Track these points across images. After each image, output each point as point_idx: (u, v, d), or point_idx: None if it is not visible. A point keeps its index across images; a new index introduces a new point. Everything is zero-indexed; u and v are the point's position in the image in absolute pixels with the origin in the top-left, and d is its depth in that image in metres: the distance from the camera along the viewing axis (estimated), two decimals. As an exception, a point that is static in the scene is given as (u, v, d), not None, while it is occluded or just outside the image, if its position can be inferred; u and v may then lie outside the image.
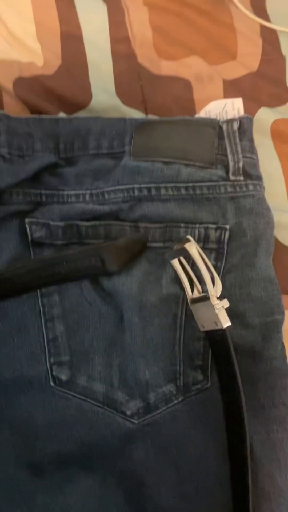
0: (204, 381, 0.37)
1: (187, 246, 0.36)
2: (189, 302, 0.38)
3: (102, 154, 0.41)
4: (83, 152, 0.41)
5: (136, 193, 0.39)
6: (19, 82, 0.45)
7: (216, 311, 0.35)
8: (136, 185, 0.39)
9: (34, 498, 0.34)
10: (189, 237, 0.37)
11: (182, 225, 0.39)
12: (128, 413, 0.36)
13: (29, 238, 0.38)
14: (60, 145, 0.40)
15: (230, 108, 0.45)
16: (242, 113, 0.44)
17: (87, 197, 0.39)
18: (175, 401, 0.36)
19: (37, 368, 0.36)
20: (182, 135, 0.40)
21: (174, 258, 0.38)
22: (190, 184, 0.39)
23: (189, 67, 0.49)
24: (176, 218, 0.39)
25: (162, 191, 0.39)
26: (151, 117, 0.46)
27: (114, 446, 0.35)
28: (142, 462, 0.35)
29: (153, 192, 0.39)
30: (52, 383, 0.36)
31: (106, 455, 0.35)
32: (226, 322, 0.35)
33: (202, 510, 0.35)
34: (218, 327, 0.35)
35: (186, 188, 0.39)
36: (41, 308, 0.37)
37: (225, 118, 0.44)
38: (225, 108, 0.45)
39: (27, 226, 0.38)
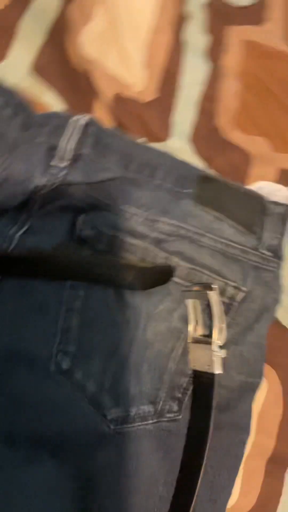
0: (177, 412, 0.41)
1: (211, 292, 0.41)
2: (188, 340, 0.42)
3: (164, 187, 0.46)
4: (149, 179, 0.45)
5: (182, 232, 0.44)
6: (116, 97, 0.50)
7: (214, 357, 0.39)
8: (185, 225, 0.44)
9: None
10: (215, 286, 0.42)
11: (207, 272, 0.44)
12: (109, 417, 0.39)
13: (76, 233, 0.42)
14: (130, 165, 0.45)
15: (278, 192, 0.51)
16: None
17: (141, 220, 0.43)
18: (150, 421, 0.40)
19: (44, 349, 0.39)
20: (235, 198, 0.46)
21: (191, 298, 0.42)
22: (228, 242, 0.44)
23: (255, 144, 0.55)
24: (205, 265, 0.44)
25: (203, 239, 0.44)
26: (212, 171, 0.52)
27: (85, 443, 0.38)
28: (103, 467, 0.38)
29: (196, 236, 0.44)
30: (52, 367, 0.39)
31: (76, 449, 0.38)
32: (219, 369, 0.39)
33: None
34: (209, 371, 0.40)
35: (224, 244, 0.44)
36: (65, 298, 0.40)
37: (271, 199, 0.50)
38: (274, 190, 0.51)
39: (79, 222, 0.41)
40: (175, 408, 0.41)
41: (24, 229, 0.41)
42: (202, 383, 0.40)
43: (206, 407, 0.39)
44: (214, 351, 0.39)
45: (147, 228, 0.43)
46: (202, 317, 0.43)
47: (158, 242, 0.44)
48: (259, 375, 0.44)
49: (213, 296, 0.41)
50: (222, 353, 0.39)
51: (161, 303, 0.42)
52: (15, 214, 0.41)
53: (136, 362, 0.40)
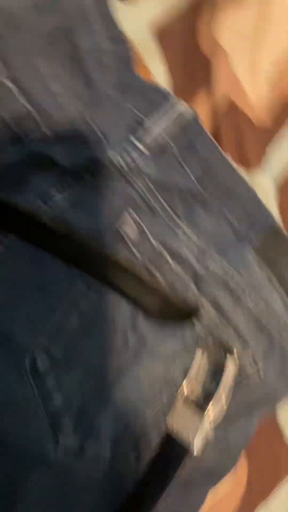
0: (132, 466, 0.36)
1: (230, 357, 0.35)
2: (179, 396, 0.36)
3: (230, 222, 0.39)
4: (219, 205, 0.39)
5: (228, 279, 0.38)
6: (226, 100, 0.43)
7: (199, 434, 0.34)
8: (236, 275, 0.38)
9: None
10: (235, 352, 0.36)
11: (232, 333, 0.38)
12: (60, 442, 0.34)
13: (117, 226, 0.36)
14: (207, 182, 0.38)
15: None
16: None
17: (194, 247, 0.37)
18: (100, 466, 0.35)
19: (26, 335, 0.34)
20: None
21: (202, 351, 0.36)
22: (269, 312, 0.38)
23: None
24: (234, 324, 0.38)
25: (246, 298, 0.38)
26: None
27: (24, 456, 0.34)
28: (32, 491, 0.33)
29: (240, 292, 0.38)
30: (26, 361, 0.34)
31: (11, 457, 0.33)
32: (197, 450, 0.34)
33: None
34: (186, 442, 0.34)
35: (265, 314, 0.38)
36: (74, 291, 0.35)
37: None
38: None
39: (126, 216, 0.35)
40: (133, 458, 0.36)
41: (68, 198, 0.35)
42: (173, 450, 0.35)
43: (164, 477, 0.34)
44: (203, 426, 0.34)
45: (195, 259, 0.37)
46: (204, 378, 0.37)
47: (197, 277, 0.38)
48: (232, 464, 0.38)
49: (231, 363, 0.35)
50: (210, 435, 0.34)
51: (169, 341, 0.36)
52: (61, 175, 0.35)
53: (115, 395, 0.34)
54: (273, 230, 0.40)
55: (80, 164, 0.35)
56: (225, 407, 0.35)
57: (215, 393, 0.35)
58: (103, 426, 0.34)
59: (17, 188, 0.34)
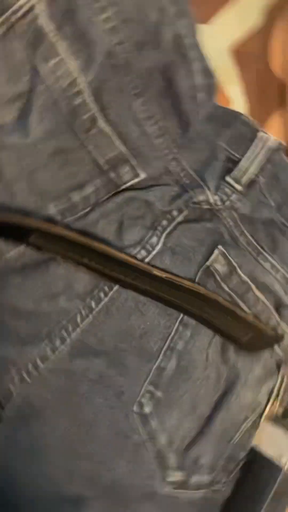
0: (224, 484, 0.38)
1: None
2: (264, 416, 0.38)
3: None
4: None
5: None
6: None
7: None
8: None
9: None
10: None
11: None
12: (168, 479, 0.36)
13: (207, 263, 0.36)
14: (285, 208, 0.39)
15: None
16: None
17: (279, 276, 0.38)
18: (202, 490, 0.37)
19: (134, 384, 0.35)
20: None
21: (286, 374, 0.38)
22: None
23: None
24: None
25: None
26: None
27: (135, 495, 0.36)
28: None
29: None
30: (135, 407, 0.35)
31: (124, 498, 0.36)
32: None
33: None
34: (276, 462, 0.36)
35: None
36: (172, 333, 0.35)
37: None
38: None
39: (215, 252, 0.35)
40: (224, 480, 0.38)
41: (162, 241, 0.35)
42: (264, 470, 0.37)
43: (259, 500, 0.36)
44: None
45: (282, 289, 0.38)
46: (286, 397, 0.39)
47: (280, 304, 0.39)
48: None
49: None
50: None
51: (256, 369, 0.38)
52: (156, 218, 0.35)
53: (213, 427, 0.36)
54: None
55: (175, 206, 0.35)
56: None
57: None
58: (203, 458, 0.36)
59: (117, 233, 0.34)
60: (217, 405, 0.36)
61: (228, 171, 0.36)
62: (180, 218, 0.35)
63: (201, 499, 0.37)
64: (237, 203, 0.36)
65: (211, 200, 0.35)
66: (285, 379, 0.39)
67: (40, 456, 0.36)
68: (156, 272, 0.33)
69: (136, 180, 0.34)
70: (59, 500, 0.35)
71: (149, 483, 0.35)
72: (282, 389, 0.39)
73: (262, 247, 0.37)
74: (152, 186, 0.34)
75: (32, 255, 0.35)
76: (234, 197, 0.36)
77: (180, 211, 0.35)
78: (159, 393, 0.35)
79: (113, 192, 0.34)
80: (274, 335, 0.38)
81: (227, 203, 0.36)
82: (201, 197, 0.35)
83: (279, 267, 0.38)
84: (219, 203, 0.35)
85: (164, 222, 0.35)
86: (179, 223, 0.35)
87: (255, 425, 0.38)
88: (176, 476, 0.36)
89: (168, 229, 0.35)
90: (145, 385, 0.35)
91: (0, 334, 0.36)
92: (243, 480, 0.38)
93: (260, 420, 0.39)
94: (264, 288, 0.37)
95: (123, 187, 0.34)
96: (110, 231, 0.34)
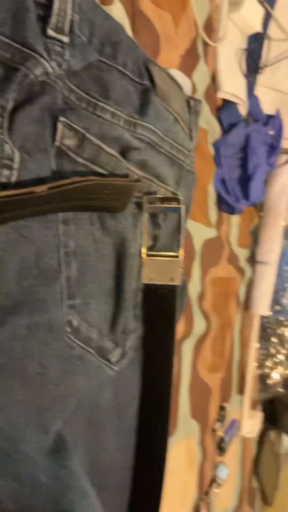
0: (138, 329, 0.42)
1: (182, 206, 0.40)
2: (144, 254, 0.41)
3: (126, 76, 0.38)
4: (112, 63, 0.37)
5: (154, 138, 0.39)
6: None
7: (179, 270, 0.40)
8: (156, 130, 0.39)
9: None
10: (182, 206, 0.41)
11: (156, 181, 0.41)
12: (113, 360, 0.38)
13: (55, 143, 0.33)
14: (93, 40, 0.35)
15: (185, 82, 0.47)
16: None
17: (122, 122, 0.36)
18: (133, 342, 0.40)
19: (55, 310, 0.34)
20: (179, 98, 0.43)
21: (149, 211, 0.40)
22: (179, 147, 0.42)
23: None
24: (158, 173, 0.40)
25: (163, 144, 0.40)
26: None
27: (96, 395, 0.37)
28: (105, 408, 0.38)
29: (159, 142, 0.39)
30: (67, 329, 0.34)
31: (86, 404, 0.36)
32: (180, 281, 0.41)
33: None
34: (170, 283, 0.41)
35: (176, 149, 0.42)
36: (60, 236, 0.34)
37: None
38: (182, 80, 0.47)
39: (59, 126, 0.32)
40: (138, 325, 0.42)
41: (11, 144, 0.30)
42: (162, 295, 0.41)
43: (169, 318, 0.41)
44: (180, 265, 0.40)
45: (130, 135, 0.37)
46: (151, 229, 0.42)
47: (128, 150, 0.37)
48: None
49: (183, 211, 0.40)
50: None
51: (133, 222, 0.40)
52: None
53: (122, 294, 0.39)
54: (153, 66, 0.40)
55: (6, 93, 0.30)
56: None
57: (181, 239, 0.42)
58: (128, 325, 0.40)
59: None
60: (121, 274, 0.38)
61: (44, 20, 0.31)
62: (10, 106, 0.30)
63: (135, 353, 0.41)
64: (72, 60, 0.32)
65: (49, 69, 0.31)
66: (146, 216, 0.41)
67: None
68: (37, 190, 0.30)
69: None
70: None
71: (101, 377, 0.37)
72: (147, 225, 0.41)
73: (95, 98, 0.35)
74: None
75: None
76: (67, 54, 0.32)
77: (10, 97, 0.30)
78: (77, 301, 0.35)
79: None
80: (134, 183, 0.37)
81: (64, 65, 0.32)
82: (37, 71, 0.30)
83: (118, 112, 0.36)
84: (57, 69, 0.31)
85: None
86: (13, 111, 0.30)
87: (140, 266, 0.41)
88: (116, 354, 0.39)
89: (5, 125, 0.30)
90: (64, 303, 0.34)
91: None
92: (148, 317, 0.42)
93: (144, 260, 0.41)
94: (114, 141, 0.36)
95: None
96: None
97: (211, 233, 0.69)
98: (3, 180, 0.29)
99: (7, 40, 0.29)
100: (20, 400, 0.32)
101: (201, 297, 0.67)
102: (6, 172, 0.29)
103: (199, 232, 0.65)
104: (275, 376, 0.90)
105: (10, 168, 0.30)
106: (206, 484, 0.73)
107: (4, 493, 0.28)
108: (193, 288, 0.64)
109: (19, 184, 0.30)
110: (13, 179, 0.30)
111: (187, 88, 0.47)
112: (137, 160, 0.38)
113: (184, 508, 0.66)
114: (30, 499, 0.29)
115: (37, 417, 0.32)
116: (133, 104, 0.37)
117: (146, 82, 0.39)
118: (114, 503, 0.38)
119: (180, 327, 0.61)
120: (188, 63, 0.58)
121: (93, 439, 0.37)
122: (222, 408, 0.76)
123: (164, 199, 0.40)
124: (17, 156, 0.30)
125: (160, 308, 0.42)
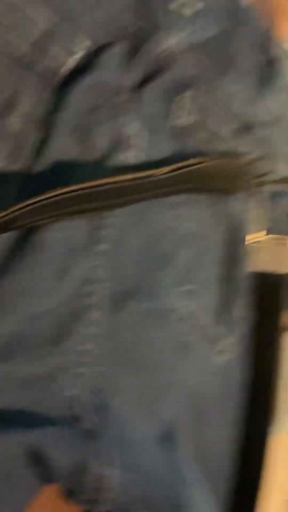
0: (248, 318, 0.40)
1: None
2: (257, 239, 0.39)
3: (248, 47, 0.37)
4: (234, 36, 0.35)
5: (280, 112, 0.37)
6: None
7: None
8: (283, 105, 0.37)
9: None
10: None
11: (276, 160, 0.38)
12: (223, 349, 0.36)
13: (174, 121, 0.33)
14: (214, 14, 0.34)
15: None
16: None
17: (245, 96, 0.35)
18: None
19: (168, 295, 0.34)
20: None
21: (268, 194, 0.38)
22: None
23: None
24: (280, 152, 0.38)
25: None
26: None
27: (204, 383, 0.36)
28: (212, 398, 0.36)
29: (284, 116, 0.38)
30: (179, 315, 0.34)
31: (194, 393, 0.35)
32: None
33: None
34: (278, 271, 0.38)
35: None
36: (175, 221, 0.34)
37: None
38: None
39: (179, 104, 0.32)
40: (247, 314, 0.40)
41: (137, 120, 0.30)
42: (272, 284, 0.39)
43: (277, 307, 0.39)
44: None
45: (253, 111, 0.35)
46: (266, 213, 0.40)
47: (249, 126, 0.36)
48: None
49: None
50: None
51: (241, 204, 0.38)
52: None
53: (233, 280, 0.37)
54: None
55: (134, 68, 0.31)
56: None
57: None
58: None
59: None
60: (232, 258, 0.37)
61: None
62: (136, 82, 0.31)
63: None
64: (194, 33, 0.32)
65: (173, 42, 0.31)
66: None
67: None
68: (158, 173, 0.30)
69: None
70: None
71: (210, 366, 0.36)
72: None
73: (218, 71, 0.34)
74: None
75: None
76: (190, 28, 0.32)
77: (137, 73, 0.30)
78: (190, 286, 0.34)
79: None
80: (254, 162, 0.36)
81: (188, 39, 0.32)
82: (164, 45, 0.31)
83: (241, 86, 0.35)
84: (181, 43, 0.32)
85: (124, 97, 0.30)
86: (139, 88, 0.31)
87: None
88: (225, 342, 0.37)
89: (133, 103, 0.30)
90: (177, 289, 0.33)
91: None
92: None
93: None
94: (235, 118, 0.35)
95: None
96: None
97: None
98: (132, 161, 0.29)
99: (132, 16, 0.30)
100: (134, 385, 0.31)
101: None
102: (134, 152, 0.29)
103: None
104: None
105: (138, 148, 0.29)
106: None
107: (115, 482, 0.28)
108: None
109: (145, 164, 0.29)
110: (141, 159, 0.29)
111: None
112: (258, 137, 0.37)
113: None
114: (142, 490, 0.28)
115: (150, 405, 0.32)
116: (258, 77, 0.36)
117: (271, 54, 0.37)
118: (218, 494, 0.37)
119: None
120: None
121: (200, 430, 0.36)
122: None
123: (282, 180, 0.38)
124: (146, 135, 0.29)
125: (269, 296, 0.39)
